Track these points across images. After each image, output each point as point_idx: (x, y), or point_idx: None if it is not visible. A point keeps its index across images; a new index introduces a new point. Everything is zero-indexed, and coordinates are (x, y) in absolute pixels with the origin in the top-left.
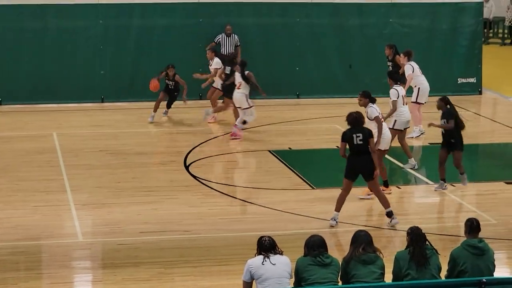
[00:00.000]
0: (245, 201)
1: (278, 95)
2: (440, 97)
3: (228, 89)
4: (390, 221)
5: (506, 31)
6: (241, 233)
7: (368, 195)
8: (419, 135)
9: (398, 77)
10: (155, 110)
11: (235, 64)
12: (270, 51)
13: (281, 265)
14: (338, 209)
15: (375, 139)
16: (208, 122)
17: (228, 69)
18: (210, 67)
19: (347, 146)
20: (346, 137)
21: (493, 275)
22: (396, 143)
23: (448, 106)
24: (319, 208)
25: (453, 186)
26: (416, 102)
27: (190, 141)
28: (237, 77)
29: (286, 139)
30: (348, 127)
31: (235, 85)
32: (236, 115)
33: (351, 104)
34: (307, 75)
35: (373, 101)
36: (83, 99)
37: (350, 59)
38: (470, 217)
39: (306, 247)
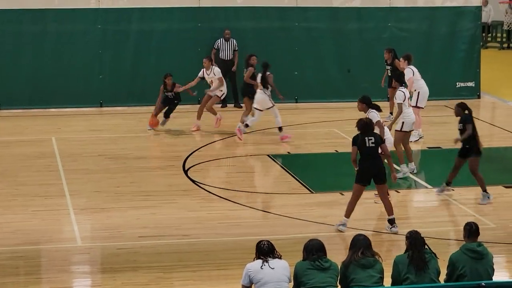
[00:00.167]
0: (244, 206)
1: (277, 100)
2: (457, 102)
3: (247, 90)
4: (390, 228)
5: (504, 35)
6: (240, 237)
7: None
8: (418, 139)
9: (404, 80)
10: (156, 115)
11: (233, 72)
12: (268, 56)
13: (280, 269)
14: (348, 215)
15: None
16: (192, 131)
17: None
18: (206, 76)
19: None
20: (357, 141)
21: (492, 279)
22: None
23: (466, 112)
24: (318, 212)
25: (453, 190)
26: (416, 107)
27: (189, 145)
28: (258, 78)
29: (284, 143)
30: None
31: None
32: (245, 114)
33: (350, 109)
34: (306, 80)
35: (378, 109)
36: (82, 103)
37: (349, 64)
38: (469, 221)
39: (305, 251)
